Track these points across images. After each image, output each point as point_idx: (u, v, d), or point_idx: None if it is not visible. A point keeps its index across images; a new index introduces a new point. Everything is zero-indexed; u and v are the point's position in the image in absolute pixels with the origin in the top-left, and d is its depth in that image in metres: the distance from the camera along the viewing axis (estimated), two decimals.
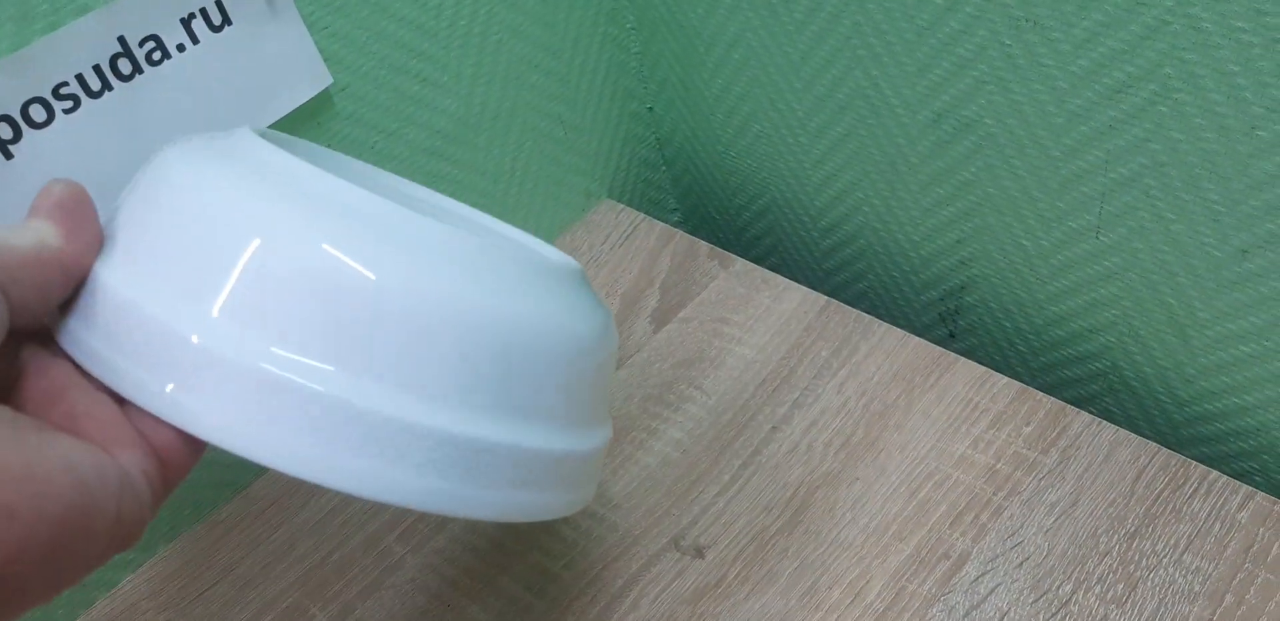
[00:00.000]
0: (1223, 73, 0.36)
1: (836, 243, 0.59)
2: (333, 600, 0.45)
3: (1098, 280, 0.47)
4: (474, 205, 0.41)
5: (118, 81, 0.38)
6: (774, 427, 0.48)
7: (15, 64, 0.35)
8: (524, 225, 0.55)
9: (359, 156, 0.47)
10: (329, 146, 0.46)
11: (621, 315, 0.54)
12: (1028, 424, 0.46)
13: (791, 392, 0.49)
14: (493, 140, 0.54)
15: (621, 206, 0.61)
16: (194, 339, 0.26)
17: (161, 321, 0.26)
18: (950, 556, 0.42)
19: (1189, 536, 0.42)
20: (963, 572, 0.42)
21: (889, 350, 0.50)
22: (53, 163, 0.37)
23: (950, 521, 0.43)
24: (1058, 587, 0.41)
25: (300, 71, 0.43)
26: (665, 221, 0.60)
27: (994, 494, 0.44)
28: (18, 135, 0.36)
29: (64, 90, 0.37)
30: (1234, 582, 0.40)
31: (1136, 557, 0.41)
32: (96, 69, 0.37)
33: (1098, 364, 0.51)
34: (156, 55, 0.39)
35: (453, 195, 0.48)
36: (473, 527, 0.47)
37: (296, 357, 0.26)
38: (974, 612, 0.41)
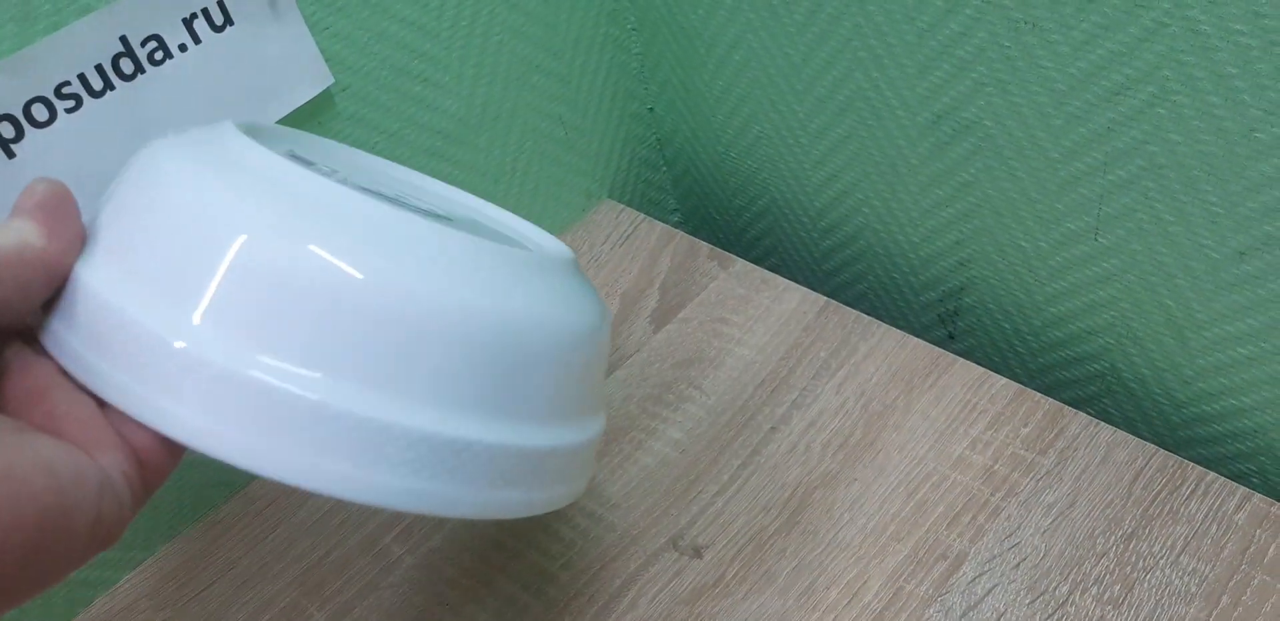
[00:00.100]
0: (1221, 75, 0.36)
1: (836, 244, 0.59)
2: (330, 599, 0.45)
3: (1096, 282, 0.47)
4: None
5: (120, 81, 0.38)
6: (773, 428, 0.48)
7: (18, 63, 0.35)
8: None
9: None
10: None
11: (621, 315, 0.55)
12: (1026, 425, 0.46)
13: (790, 393, 0.49)
14: (493, 141, 0.54)
15: (622, 207, 0.61)
16: (174, 344, 0.26)
17: (142, 325, 0.26)
18: (948, 557, 0.42)
19: (1186, 538, 0.42)
20: (960, 573, 0.42)
21: (888, 351, 0.50)
22: (55, 162, 0.37)
23: (948, 522, 0.43)
24: (1055, 588, 0.41)
25: (302, 72, 0.43)
26: (665, 222, 0.60)
27: (991, 495, 0.44)
28: (20, 134, 0.36)
29: (66, 90, 0.37)
30: (1230, 584, 0.40)
31: (1133, 559, 0.41)
32: (99, 68, 0.37)
33: (1096, 365, 0.51)
34: (158, 55, 0.39)
35: None
36: (470, 527, 0.47)
37: (275, 362, 0.26)
38: (971, 613, 0.41)
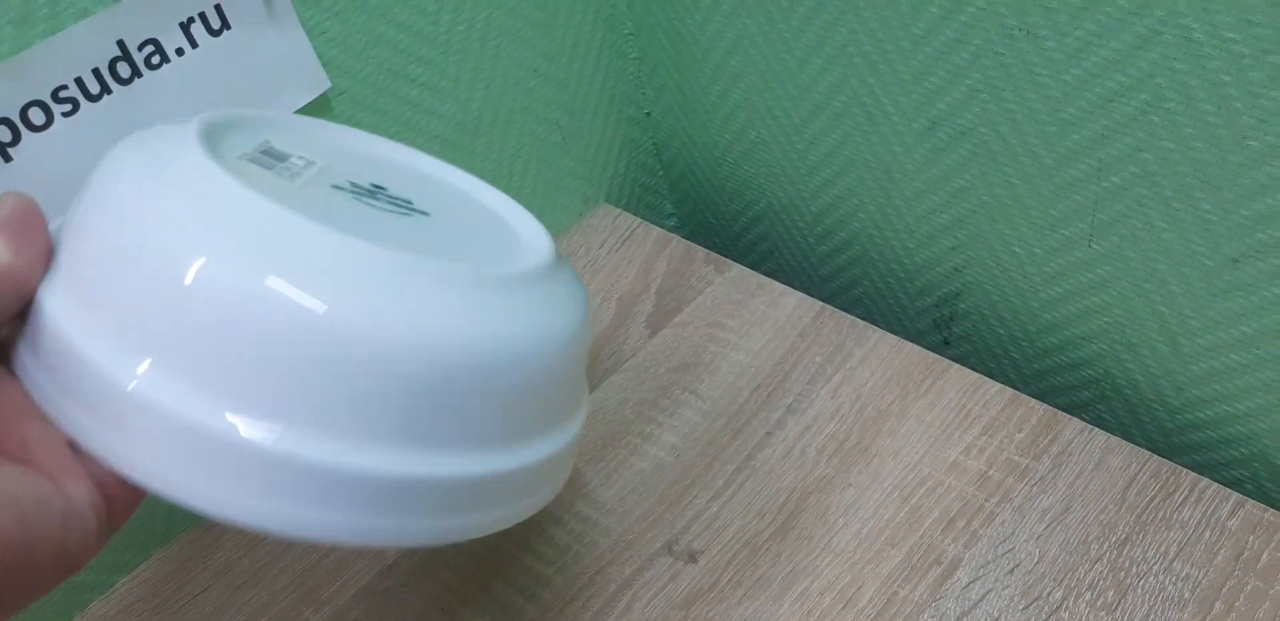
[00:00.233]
0: (1214, 83, 0.36)
1: (832, 249, 0.59)
2: (327, 603, 0.45)
3: (1090, 288, 0.48)
4: None
5: (117, 85, 0.38)
6: (768, 433, 0.48)
7: (15, 67, 0.35)
8: None
9: None
10: None
11: (617, 320, 0.55)
12: (1020, 430, 0.46)
13: (786, 398, 0.49)
14: (491, 145, 0.54)
15: (618, 211, 0.61)
16: (124, 385, 0.26)
17: (94, 364, 0.26)
18: (942, 562, 0.43)
19: (1179, 544, 0.42)
20: (954, 578, 0.42)
21: (883, 356, 0.50)
22: (51, 166, 0.37)
23: (942, 527, 0.44)
24: (1049, 594, 0.41)
25: (298, 76, 0.43)
26: (662, 226, 0.60)
27: (986, 500, 0.44)
28: (17, 138, 0.36)
29: (63, 93, 0.37)
30: (1224, 590, 0.40)
31: (1127, 564, 0.41)
32: (96, 72, 0.37)
33: (1090, 371, 0.51)
34: (155, 59, 0.39)
35: None
36: None
37: (220, 406, 0.26)
38: (965, 618, 0.41)
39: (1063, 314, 0.50)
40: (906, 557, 0.43)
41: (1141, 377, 0.49)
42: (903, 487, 0.45)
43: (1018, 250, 0.49)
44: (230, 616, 0.45)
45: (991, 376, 0.49)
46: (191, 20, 0.39)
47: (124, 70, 0.38)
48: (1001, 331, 0.54)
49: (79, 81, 0.37)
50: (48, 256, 0.28)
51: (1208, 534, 0.42)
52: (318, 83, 0.44)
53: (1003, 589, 0.41)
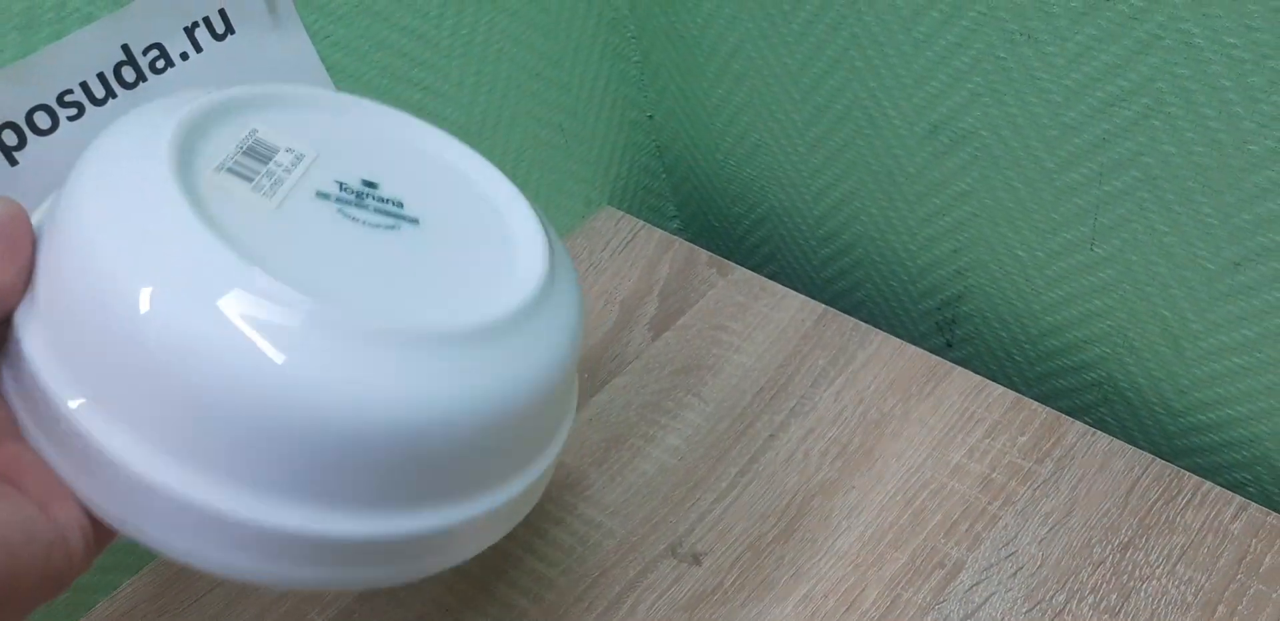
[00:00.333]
0: (1215, 87, 0.36)
1: (834, 251, 0.59)
2: (331, 604, 0.45)
3: (1092, 291, 0.48)
4: None
5: (122, 89, 0.38)
6: (771, 435, 0.48)
7: (20, 71, 0.35)
8: None
9: None
10: None
11: (620, 322, 0.55)
12: (1023, 434, 0.46)
13: (789, 401, 0.49)
14: (493, 148, 0.54)
15: (621, 213, 0.61)
16: (65, 418, 0.26)
17: (46, 391, 0.26)
18: (945, 565, 0.43)
19: (1182, 547, 0.42)
20: (957, 581, 0.42)
21: (886, 359, 0.50)
22: (57, 169, 0.37)
23: (945, 530, 0.44)
24: (1051, 597, 0.41)
25: (302, 80, 0.44)
26: (664, 228, 0.60)
27: (989, 503, 0.44)
28: (22, 142, 0.36)
29: (69, 98, 0.37)
30: (1226, 593, 0.40)
31: (1130, 568, 0.42)
32: (101, 77, 0.37)
33: (1092, 374, 0.52)
34: (160, 63, 0.39)
35: None
36: None
37: (171, 464, 0.26)
38: None
39: (1065, 317, 0.50)
40: (910, 560, 0.43)
41: (1144, 381, 0.49)
42: (906, 490, 0.45)
43: (1020, 253, 0.49)
44: (235, 617, 0.46)
45: (994, 379, 0.49)
46: (196, 25, 0.39)
47: (129, 74, 0.38)
48: (1004, 334, 0.54)
49: (84, 86, 0.37)
50: (29, 272, 0.27)
51: (1210, 537, 0.42)
52: (321, 86, 0.44)
53: (1005, 592, 0.42)
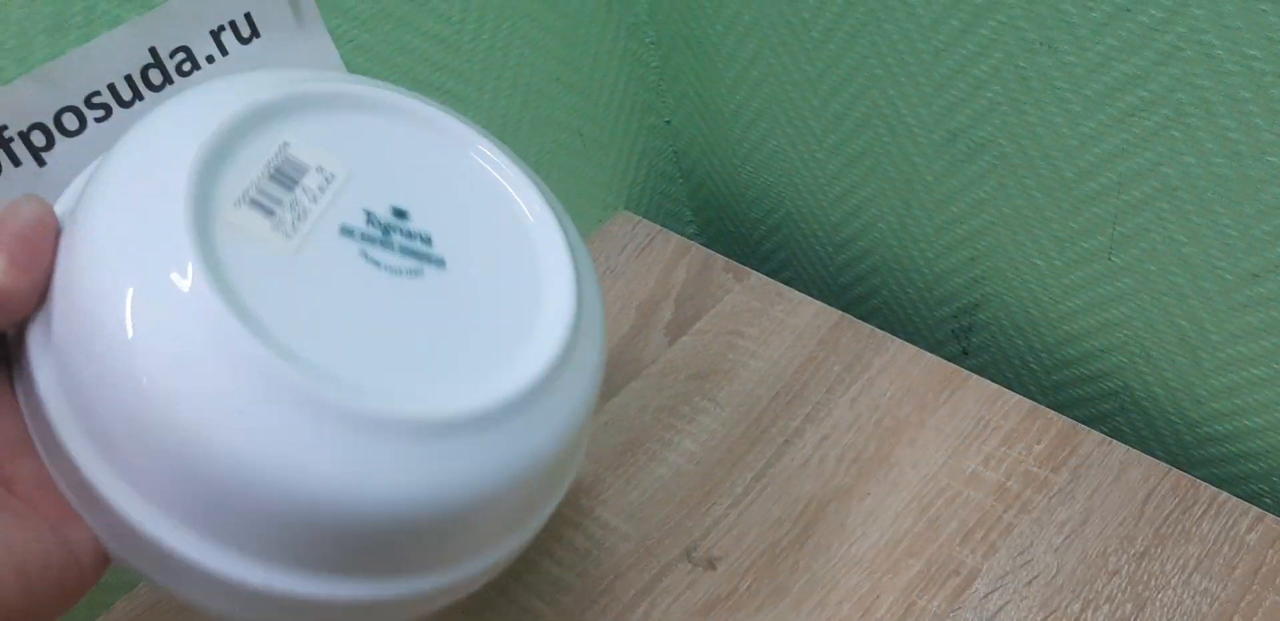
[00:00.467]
0: (1235, 99, 0.36)
1: (851, 258, 0.60)
2: None
3: (1110, 300, 0.48)
4: None
5: (148, 91, 0.39)
6: (786, 441, 0.48)
7: (49, 74, 0.36)
8: None
9: None
10: None
11: (637, 327, 0.55)
12: (1039, 442, 0.46)
13: (804, 407, 0.50)
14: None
15: (638, 218, 0.61)
16: (70, 461, 0.26)
17: (61, 438, 0.26)
18: (960, 573, 0.43)
19: (1198, 557, 0.42)
20: (972, 589, 0.42)
21: (902, 366, 0.50)
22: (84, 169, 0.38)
23: (960, 538, 0.44)
24: (1066, 606, 0.41)
25: None
26: (681, 233, 0.60)
27: (1004, 511, 0.44)
28: (51, 143, 0.37)
29: (96, 99, 0.37)
30: (1242, 604, 0.40)
31: (1145, 578, 0.42)
32: (128, 79, 0.38)
33: (1109, 383, 0.52)
34: (186, 66, 0.39)
35: None
36: None
37: (158, 513, 0.26)
38: None
39: (1082, 326, 0.50)
40: (925, 567, 0.43)
41: (1161, 390, 0.49)
42: (921, 498, 0.45)
43: (1038, 262, 0.49)
44: None
45: (1010, 387, 0.49)
46: (222, 28, 0.40)
47: (156, 77, 0.39)
48: (1021, 342, 0.54)
49: (111, 88, 0.38)
50: (46, 282, 0.26)
51: (1226, 548, 0.42)
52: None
53: (1021, 600, 0.42)
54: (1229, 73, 0.36)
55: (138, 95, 0.38)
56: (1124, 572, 0.42)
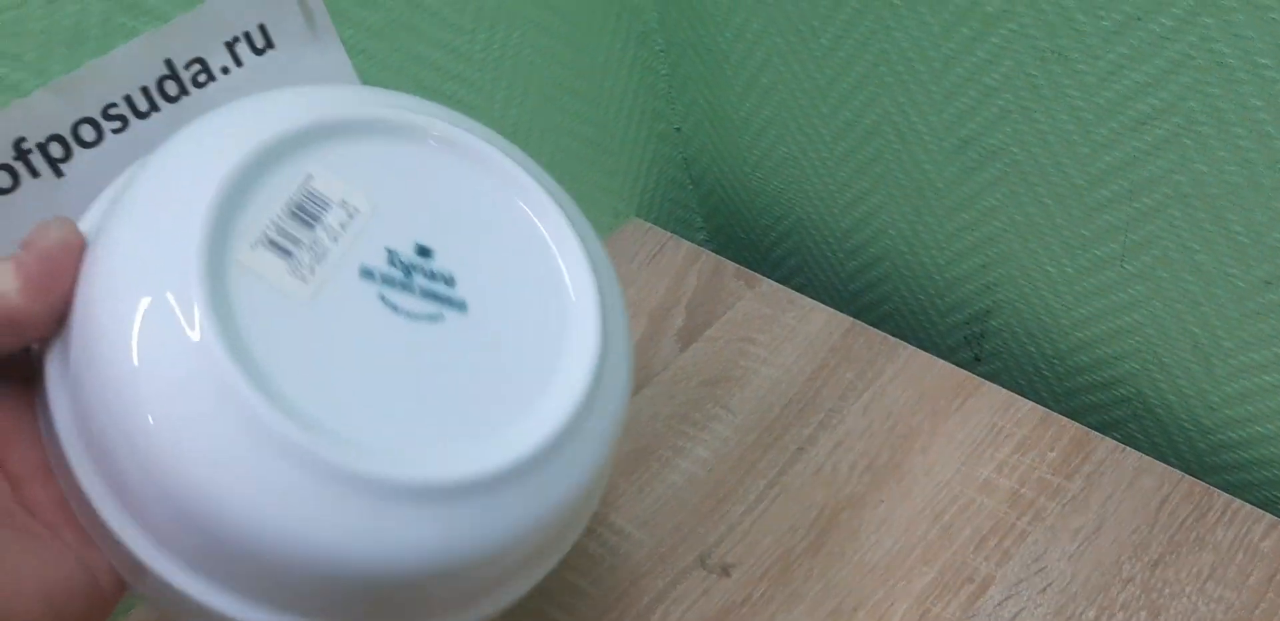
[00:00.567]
0: (1246, 108, 0.37)
1: (862, 264, 0.60)
2: None
3: (1122, 308, 0.48)
4: None
5: (165, 103, 0.39)
6: (799, 448, 0.48)
7: (67, 85, 0.36)
8: None
9: None
10: None
11: (648, 334, 0.55)
12: (1052, 449, 0.46)
13: (817, 414, 0.50)
14: None
15: (649, 225, 0.61)
16: (80, 491, 0.26)
17: (75, 472, 0.26)
18: (974, 580, 0.43)
19: (1212, 565, 0.42)
20: (986, 596, 0.42)
21: (914, 373, 0.50)
22: (102, 180, 0.38)
23: (974, 545, 0.44)
24: (1081, 613, 0.41)
25: None
26: (692, 240, 0.60)
27: (1018, 519, 0.44)
28: (68, 154, 0.37)
29: (113, 111, 0.38)
30: (1256, 612, 0.40)
31: (1159, 585, 0.42)
32: (144, 90, 0.38)
33: (1122, 390, 0.52)
34: (202, 77, 0.40)
35: None
36: None
37: (137, 530, 0.26)
38: None
39: (1095, 333, 0.50)
40: (939, 575, 0.43)
41: (1174, 397, 0.49)
42: (934, 505, 0.45)
43: (1049, 269, 0.49)
44: None
45: (1023, 394, 0.49)
46: (237, 39, 0.40)
47: (171, 88, 0.39)
48: (1033, 349, 0.54)
49: (128, 99, 0.38)
50: (63, 307, 0.26)
51: (1241, 555, 0.42)
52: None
53: (1035, 608, 0.42)
54: (1240, 81, 0.36)
55: (154, 107, 0.39)
56: (1138, 580, 0.42)
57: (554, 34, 0.52)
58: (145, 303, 0.25)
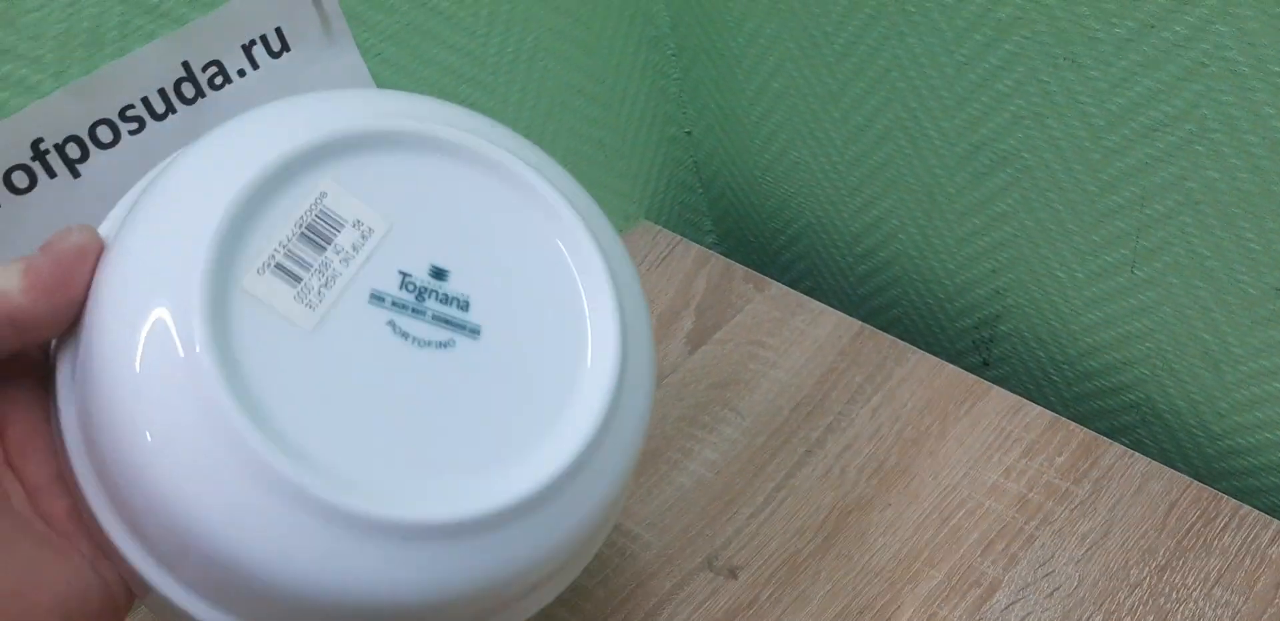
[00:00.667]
0: (1258, 115, 0.37)
1: (871, 268, 0.60)
2: None
3: (1132, 313, 0.48)
4: None
5: (181, 105, 0.39)
6: (807, 451, 0.49)
7: (85, 87, 0.36)
8: None
9: None
10: None
11: (658, 336, 0.55)
12: (1060, 454, 0.46)
13: (825, 417, 0.50)
14: None
15: (659, 228, 0.62)
16: (86, 502, 0.26)
17: (81, 485, 0.26)
18: (981, 584, 0.43)
19: (1220, 570, 0.42)
20: (993, 600, 0.42)
21: (923, 377, 0.51)
22: (118, 182, 0.38)
23: (982, 549, 0.44)
24: (1088, 618, 0.41)
25: None
26: (701, 243, 0.61)
27: (1025, 523, 0.44)
28: (85, 155, 0.37)
29: (130, 112, 0.38)
30: (1264, 618, 0.40)
31: (1167, 590, 0.42)
32: (161, 93, 0.38)
33: (1131, 396, 0.52)
34: (218, 80, 0.40)
35: None
36: None
37: (141, 548, 0.26)
38: None
39: (1104, 338, 0.50)
40: (946, 578, 0.43)
41: (1183, 403, 0.49)
42: (942, 509, 0.45)
43: (1059, 274, 0.49)
44: None
45: (1032, 399, 0.49)
46: (253, 42, 0.40)
47: (188, 90, 0.39)
48: (1042, 354, 0.54)
49: (145, 101, 0.38)
50: (76, 310, 0.26)
51: (1248, 561, 0.42)
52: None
53: (1042, 612, 0.42)
54: (1253, 89, 0.36)
55: (170, 109, 0.39)
56: (1145, 585, 0.42)
57: (567, 38, 0.52)
58: (149, 317, 0.25)
